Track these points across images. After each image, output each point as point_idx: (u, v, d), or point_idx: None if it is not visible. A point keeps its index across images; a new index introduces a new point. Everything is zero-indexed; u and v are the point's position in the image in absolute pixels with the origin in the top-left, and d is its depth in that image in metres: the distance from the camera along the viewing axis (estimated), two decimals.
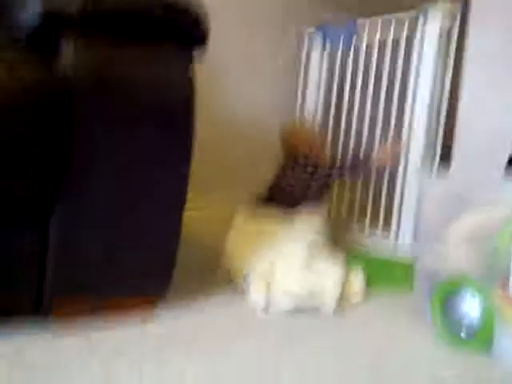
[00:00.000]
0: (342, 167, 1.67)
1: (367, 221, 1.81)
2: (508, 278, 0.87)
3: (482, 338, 0.89)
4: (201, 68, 1.81)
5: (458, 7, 1.53)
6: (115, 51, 0.81)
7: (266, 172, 1.74)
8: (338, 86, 1.94)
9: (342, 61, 1.92)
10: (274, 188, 1.60)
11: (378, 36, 1.76)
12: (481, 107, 1.46)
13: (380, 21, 1.76)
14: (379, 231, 1.76)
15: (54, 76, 0.76)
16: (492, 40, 1.43)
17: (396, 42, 1.70)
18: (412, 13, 1.64)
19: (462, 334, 0.92)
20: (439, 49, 1.56)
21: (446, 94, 1.57)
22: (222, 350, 0.83)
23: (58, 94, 0.76)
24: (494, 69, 1.42)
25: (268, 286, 1.12)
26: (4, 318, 0.82)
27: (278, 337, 0.91)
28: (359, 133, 1.85)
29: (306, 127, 1.87)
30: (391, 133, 1.73)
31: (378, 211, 1.77)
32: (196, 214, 1.84)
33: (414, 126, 1.63)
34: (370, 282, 1.23)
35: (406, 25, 1.66)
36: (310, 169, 1.64)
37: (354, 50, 1.85)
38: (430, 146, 1.62)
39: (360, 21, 1.83)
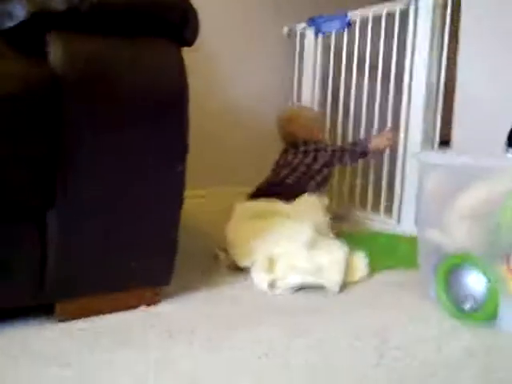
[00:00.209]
0: (342, 152, 1.67)
1: (369, 205, 1.81)
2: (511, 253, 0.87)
3: (486, 310, 0.89)
4: (196, 59, 1.82)
5: None
6: (103, 47, 0.81)
7: (264, 160, 1.74)
8: (333, 70, 1.94)
9: (336, 45, 1.91)
10: (274, 178, 1.60)
11: (370, 16, 1.75)
12: (478, 84, 1.45)
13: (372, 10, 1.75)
14: (381, 214, 1.76)
15: (41, 73, 0.76)
16: (486, 14, 1.42)
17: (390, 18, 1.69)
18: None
19: (467, 308, 0.92)
20: (433, 25, 1.55)
21: (443, 72, 1.57)
22: (226, 337, 0.83)
23: (46, 90, 0.75)
24: (489, 45, 1.42)
25: (272, 264, 1.12)
26: (8, 311, 0.82)
27: (283, 321, 0.91)
28: (357, 117, 1.85)
29: (305, 113, 1.86)
30: (389, 115, 1.73)
31: (380, 195, 1.77)
32: (196, 202, 1.85)
33: (412, 106, 1.62)
34: (374, 259, 1.23)
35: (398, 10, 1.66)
36: (311, 154, 1.63)
37: (348, 31, 1.84)
38: (429, 126, 1.62)
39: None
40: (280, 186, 1.53)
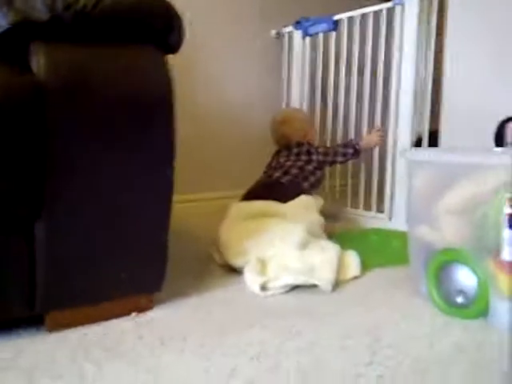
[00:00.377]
0: (335, 153, 1.68)
1: (361, 203, 1.82)
2: (499, 248, 0.87)
3: (477, 306, 0.90)
4: (186, 62, 1.82)
5: None
6: (86, 56, 0.80)
7: (255, 163, 1.74)
8: (322, 70, 1.94)
9: (324, 46, 1.92)
10: (266, 179, 1.60)
11: (357, 17, 1.76)
12: (464, 79, 1.46)
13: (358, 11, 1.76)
14: (373, 212, 1.77)
15: (24, 82, 0.75)
16: (471, 10, 1.43)
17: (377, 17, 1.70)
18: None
19: (458, 303, 0.92)
20: (420, 22, 1.56)
21: (431, 69, 1.57)
22: (218, 342, 0.82)
23: (30, 100, 0.75)
24: (475, 40, 1.42)
25: (265, 265, 1.13)
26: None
27: (275, 323, 0.91)
28: (346, 115, 1.85)
29: (299, 115, 1.87)
30: (378, 113, 1.73)
31: (371, 193, 1.77)
32: (186, 206, 1.85)
33: (401, 103, 1.63)
34: (366, 257, 1.23)
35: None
36: (304, 156, 1.64)
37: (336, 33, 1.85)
38: (417, 123, 1.63)
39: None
40: (273, 187, 1.53)
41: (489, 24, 1.40)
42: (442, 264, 0.96)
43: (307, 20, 1.94)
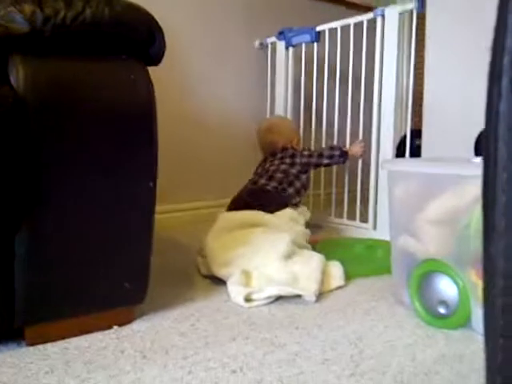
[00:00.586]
0: (320, 155, 1.70)
1: (345, 212, 1.83)
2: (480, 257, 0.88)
3: (459, 315, 0.90)
4: (171, 72, 1.82)
5: None
6: (67, 68, 0.80)
7: (239, 173, 1.75)
8: (305, 80, 1.96)
9: (306, 56, 1.93)
10: (252, 185, 1.60)
11: (339, 28, 1.78)
12: (444, 88, 1.48)
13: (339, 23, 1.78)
14: (357, 222, 1.78)
15: (2, 95, 0.74)
16: (450, 21, 1.45)
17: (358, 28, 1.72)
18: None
19: (440, 313, 0.93)
20: (400, 33, 1.59)
21: (412, 79, 1.60)
22: (201, 354, 0.82)
23: (8, 113, 0.74)
24: (455, 50, 1.45)
25: (249, 277, 1.12)
26: None
27: (258, 335, 0.91)
28: (330, 124, 1.87)
29: (285, 123, 1.89)
30: (361, 121, 1.75)
31: (355, 202, 1.79)
32: (170, 216, 1.85)
33: (383, 113, 1.65)
34: (350, 267, 1.24)
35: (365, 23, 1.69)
36: (287, 160, 1.65)
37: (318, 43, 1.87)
38: (399, 134, 1.65)
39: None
40: (259, 195, 1.53)
41: (469, 34, 1.43)
42: (423, 274, 0.97)
43: (290, 30, 1.96)
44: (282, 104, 2.05)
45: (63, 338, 0.86)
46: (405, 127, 1.65)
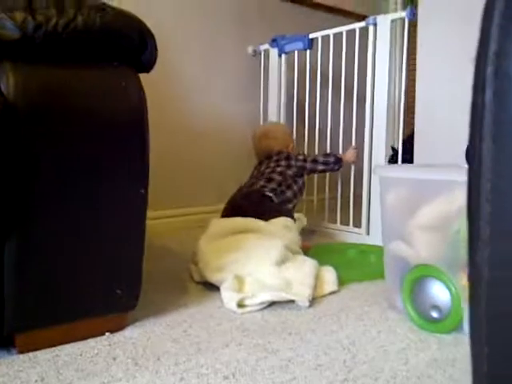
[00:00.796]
0: (315, 159, 1.71)
1: (338, 218, 1.83)
2: None
3: (451, 319, 0.91)
4: (164, 78, 1.82)
5: None
6: (58, 75, 0.80)
7: (231, 179, 1.75)
8: (297, 86, 1.97)
9: (299, 63, 1.94)
10: (248, 188, 1.61)
11: (331, 36, 1.79)
12: (436, 95, 1.49)
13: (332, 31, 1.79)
14: (351, 227, 1.78)
15: None
16: (441, 29, 1.46)
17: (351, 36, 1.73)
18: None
19: (433, 317, 0.93)
20: (392, 41, 1.60)
21: (404, 86, 1.61)
22: (193, 361, 0.82)
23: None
24: (445, 57, 1.46)
25: (242, 283, 1.12)
26: None
27: (251, 341, 0.91)
28: (323, 130, 1.88)
29: (280, 128, 1.90)
30: (353, 128, 1.76)
31: (348, 208, 1.79)
32: (162, 222, 1.84)
33: (375, 119, 1.66)
34: (343, 272, 1.24)
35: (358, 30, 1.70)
36: (283, 162, 1.66)
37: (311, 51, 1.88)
38: (390, 141, 1.66)
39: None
40: (254, 198, 1.53)
41: (460, 43, 1.44)
42: (416, 279, 0.97)
43: (283, 38, 1.97)
44: (275, 111, 2.06)
45: (54, 345, 0.85)
46: (397, 132, 1.66)
